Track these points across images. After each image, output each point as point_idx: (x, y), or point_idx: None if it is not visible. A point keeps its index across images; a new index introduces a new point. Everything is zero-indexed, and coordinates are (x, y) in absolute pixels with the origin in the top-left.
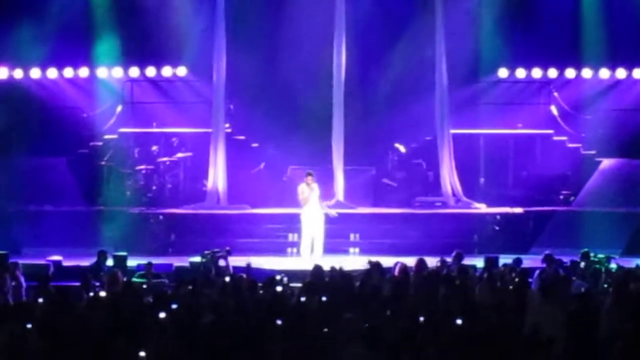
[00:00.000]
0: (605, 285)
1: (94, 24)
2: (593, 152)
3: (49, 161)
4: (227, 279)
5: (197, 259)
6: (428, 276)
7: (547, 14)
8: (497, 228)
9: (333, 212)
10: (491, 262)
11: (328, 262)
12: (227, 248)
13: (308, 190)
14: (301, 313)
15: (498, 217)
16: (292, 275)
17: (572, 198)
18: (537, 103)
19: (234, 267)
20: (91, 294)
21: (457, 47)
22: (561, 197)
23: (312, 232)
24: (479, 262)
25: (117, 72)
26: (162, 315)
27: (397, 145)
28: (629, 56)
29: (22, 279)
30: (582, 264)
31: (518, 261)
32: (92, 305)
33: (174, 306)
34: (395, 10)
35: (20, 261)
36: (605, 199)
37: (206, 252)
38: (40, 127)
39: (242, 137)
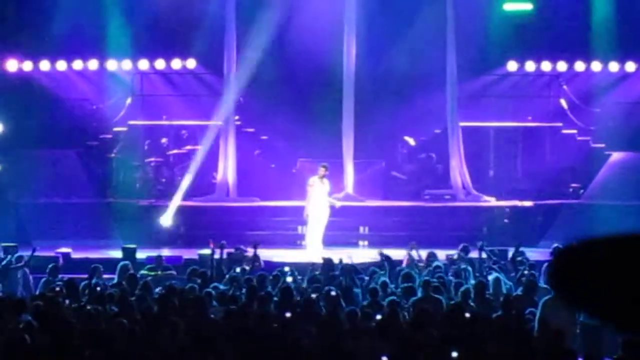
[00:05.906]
0: None
1: (103, 16)
2: (602, 145)
3: (59, 153)
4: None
5: (206, 251)
6: (436, 269)
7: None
8: (506, 221)
9: (337, 203)
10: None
11: (337, 254)
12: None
13: (318, 182)
14: (311, 306)
15: (507, 210)
16: (302, 268)
17: (581, 191)
18: (547, 96)
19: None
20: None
21: (466, 39)
22: (570, 190)
23: (320, 225)
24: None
25: (127, 64)
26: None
27: (406, 138)
28: (638, 49)
29: (27, 272)
30: None
31: (519, 251)
32: (100, 299)
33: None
34: (406, 2)
35: (29, 253)
36: (614, 192)
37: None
38: (49, 119)
39: (251, 130)
